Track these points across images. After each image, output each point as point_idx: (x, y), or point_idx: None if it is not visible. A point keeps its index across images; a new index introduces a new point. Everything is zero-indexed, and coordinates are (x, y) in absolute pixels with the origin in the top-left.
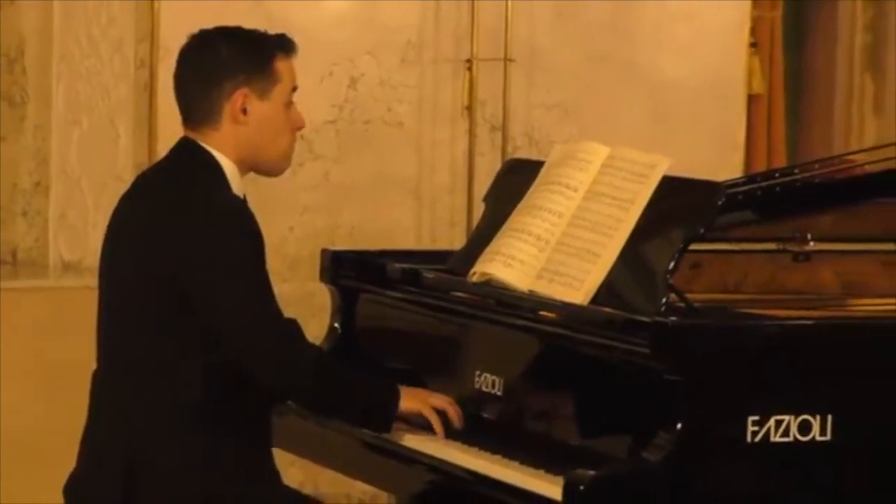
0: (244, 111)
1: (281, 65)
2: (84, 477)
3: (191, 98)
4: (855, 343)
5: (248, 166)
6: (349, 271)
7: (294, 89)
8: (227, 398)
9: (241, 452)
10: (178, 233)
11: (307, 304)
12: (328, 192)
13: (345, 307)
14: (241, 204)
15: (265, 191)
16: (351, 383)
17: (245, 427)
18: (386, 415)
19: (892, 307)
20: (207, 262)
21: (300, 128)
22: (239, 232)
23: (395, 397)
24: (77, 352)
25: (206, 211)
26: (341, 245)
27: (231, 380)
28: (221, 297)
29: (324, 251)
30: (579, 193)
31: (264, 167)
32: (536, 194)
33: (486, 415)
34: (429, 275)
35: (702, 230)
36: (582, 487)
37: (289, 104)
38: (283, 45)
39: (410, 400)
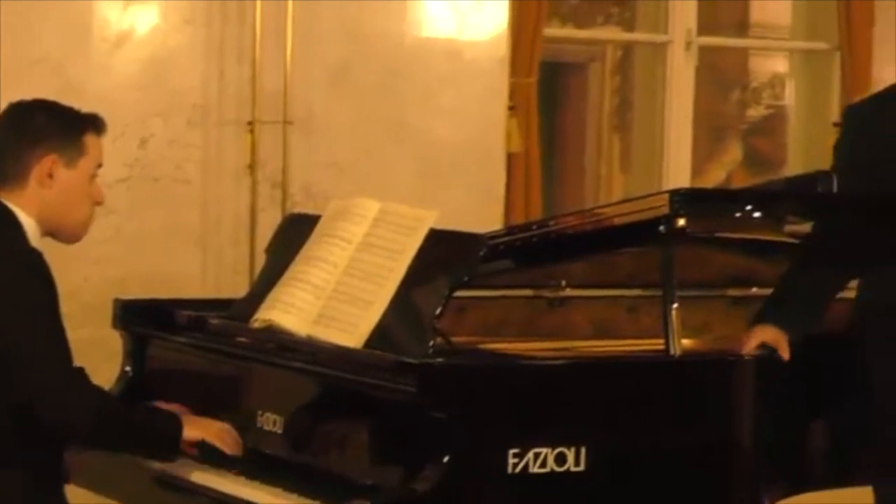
0: (51, 176)
1: (90, 140)
2: None
3: (2, 159)
4: (604, 380)
5: (47, 228)
6: (139, 318)
7: (99, 166)
8: (17, 436)
9: (32, 490)
10: None
11: (101, 350)
12: (121, 245)
13: (135, 352)
14: (39, 255)
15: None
16: (134, 420)
17: (35, 465)
18: (170, 444)
19: (637, 348)
20: (2, 304)
21: (99, 202)
22: (35, 279)
23: (178, 426)
24: None
25: (3, 258)
26: (133, 294)
27: (21, 419)
28: (14, 339)
29: (116, 300)
30: (353, 245)
31: (62, 232)
32: (314, 246)
33: (268, 451)
34: (214, 321)
35: (466, 278)
36: None
37: (92, 177)
38: (95, 123)
39: (192, 428)
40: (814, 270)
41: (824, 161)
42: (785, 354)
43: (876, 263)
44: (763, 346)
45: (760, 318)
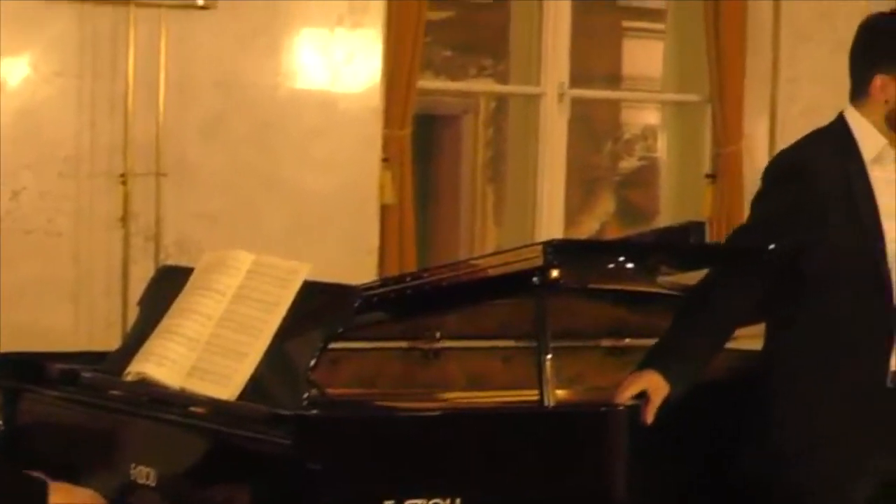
0: None
1: None
2: None
3: None
4: (478, 431)
5: None
6: (11, 372)
7: None
8: None
9: None
10: None
11: None
12: None
13: (7, 406)
14: None
15: None
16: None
17: None
18: None
19: (512, 398)
20: None
21: None
22: None
23: (44, 493)
24: None
25: None
26: (4, 347)
27: None
28: None
29: None
30: (227, 297)
31: None
32: (187, 298)
33: None
34: (87, 374)
35: (340, 329)
36: None
37: None
38: None
39: (58, 495)
40: (699, 320)
41: (696, 212)
42: (657, 401)
43: (757, 315)
44: (641, 393)
45: (644, 365)
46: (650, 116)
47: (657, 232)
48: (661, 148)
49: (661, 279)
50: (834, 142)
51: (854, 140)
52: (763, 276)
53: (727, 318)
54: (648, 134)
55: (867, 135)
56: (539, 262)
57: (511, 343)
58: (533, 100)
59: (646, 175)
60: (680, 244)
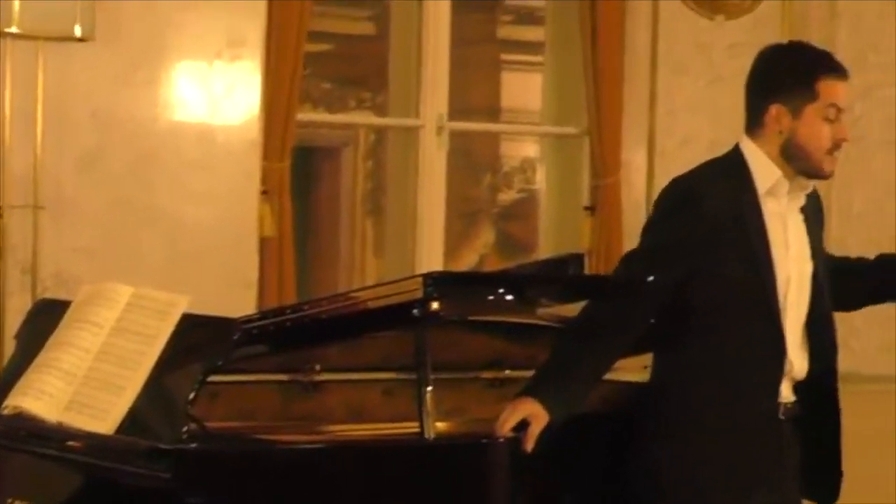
0: None
1: None
2: None
3: None
4: (358, 464)
5: None
6: None
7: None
8: None
9: None
10: None
11: None
12: None
13: None
14: None
15: None
16: None
17: None
18: None
19: (392, 431)
20: None
21: None
22: None
23: None
24: None
25: None
26: None
27: None
28: None
29: None
30: (105, 330)
31: None
32: (65, 331)
33: None
34: None
35: (219, 362)
36: None
37: None
38: None
39: None
40: (579, 348)
41: (575, 244)
42: (536, 429)
43: (642, 346)
44: (523, 421)
45: (523, 393)
46: (529, 149)
47: (536, 264)
48: (540, 180)
49: (541, 311)
50: (728, 172)
51: (749, 171)
52: (645, 306)
53: (607, 347)
54: (527, 166)
55: (762, 166)
56: (419, 294)
57: (392, 375)
58: (412, 132)
59: (525, 207)
60: (559, 276)
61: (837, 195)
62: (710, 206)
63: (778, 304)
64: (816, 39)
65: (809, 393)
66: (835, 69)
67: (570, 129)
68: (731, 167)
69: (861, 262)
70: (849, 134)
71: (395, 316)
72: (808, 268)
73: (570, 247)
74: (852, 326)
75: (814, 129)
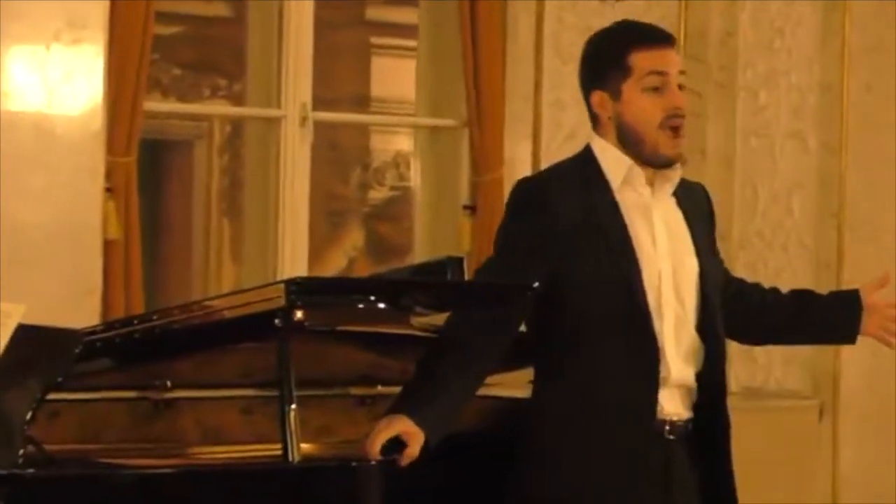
0: None
1: None
2: None
3: None
4: (214, 490)
5: None
6: None
7: None
8: None
9: None
10: None
11: None
12: None
13: None
14: None
15: None
16: None
17: None
18: None
19: (253, 453)
20: None
21: None
22: None
23: None
24: None
25: None
26: None
27: None
28: None
29: None
30: None
31: None
32: None
33: None
34: None
35: (59, 379)
36: None
37: None
38: None
39: None
40: (449, 361)
41: (454, 246)
42: (414, 450)
43: (519, 359)
44: (396, 440)
45: (393, 410)
46: (402, 142)
47: (411, 268)
48: (415, 176)
49: (417, 320)
50: (579, 172)
51: (599, 166)
52: (516, 315)
53: (478, 359)
54: (400, 161)
55: (611, 158)
56: (281, 302)
57: (251, 392)
58: (273, 123)
59: (398, 206)
60: (436, 281)
61: (741, 191)
62: (557, 208)
63: (647, 304)
64: (717, 23)
65: (699, 406)
66: (645, 38)
67: (448, 121)
68: (582, 166)
69: (773, 295)
70: (683, 101)
71: (255, 326)
72: (689, 264)
73: (448, 249)
74: None
75: (637, 105)
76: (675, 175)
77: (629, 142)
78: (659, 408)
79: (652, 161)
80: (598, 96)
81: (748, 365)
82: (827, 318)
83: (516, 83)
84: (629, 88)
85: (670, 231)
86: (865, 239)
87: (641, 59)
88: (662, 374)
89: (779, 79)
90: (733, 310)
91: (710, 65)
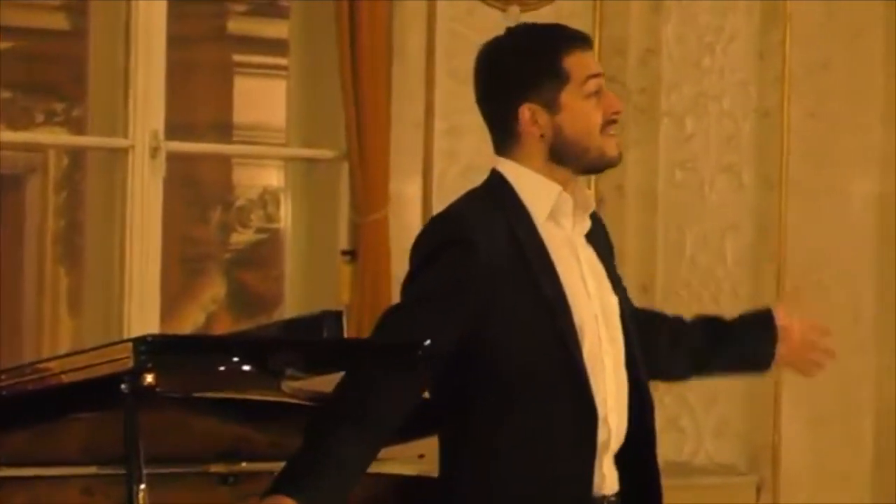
0: None
1: None
2: None
3: None
4: None
5: None
6: None
7: None
8: None
9: None
10: None
11: None
12: None
13: None
14: None
15: None
16: None
17: None
18: None
19: None
20: None
21: None
22: None
23: None
24: None
25: None
26: None
27: None
28: None
29: None
30: None
31: None
32: None
33: None
34: None
35: None
36: None
37: None
38: None
39: None
40: (339, 431)
41: (331, 298)
42: None
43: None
44: None
45: (272, 491)
46: (271, 177)
47: (282, 324)
48: (285, 217)
49: (288, 385)
50: (494, 203)
51: (517, 197)
52: (417, 377)
53: (373, 428)
54: (269, 199)
55: (532, 186)
56: (129, 363)
57: (93, 470)
58: (118, 155)
59: (265, 251)
60: (311, 340)
61: (664, 234)
62: (479, 248)
63: (581, 355)
64: (637, 38)
65: (627, 468)
66: (575, 38)
67: (324, 152)
68: (496, 197)
69: (678, 322)
70: (620, 103)
71: (98, 392)
72: (612, 303)
73: (324, 302)
74: (684, 402)
75: (579, 113)
76: (591, 205)
77: (566, 155)
78: (596, 483)
79: (596, 166)
80: (528, 110)
81: (674, 435)
82: (737, 345)
83: (403, 108)
84: (569, 96)
85: (593, 267)
86: (808, 287)
87: (577, 64)
88: (601, 437)
89: (708, 104)
90: (649, 344)
91: (629, 87)
